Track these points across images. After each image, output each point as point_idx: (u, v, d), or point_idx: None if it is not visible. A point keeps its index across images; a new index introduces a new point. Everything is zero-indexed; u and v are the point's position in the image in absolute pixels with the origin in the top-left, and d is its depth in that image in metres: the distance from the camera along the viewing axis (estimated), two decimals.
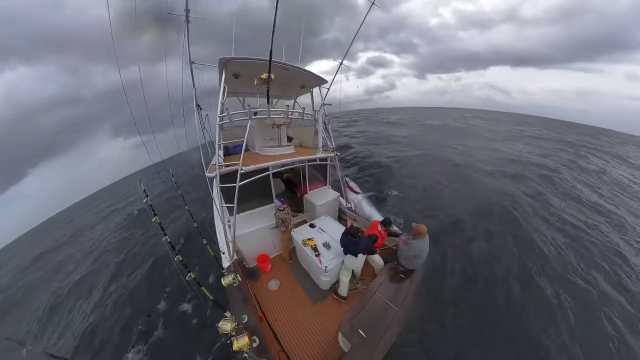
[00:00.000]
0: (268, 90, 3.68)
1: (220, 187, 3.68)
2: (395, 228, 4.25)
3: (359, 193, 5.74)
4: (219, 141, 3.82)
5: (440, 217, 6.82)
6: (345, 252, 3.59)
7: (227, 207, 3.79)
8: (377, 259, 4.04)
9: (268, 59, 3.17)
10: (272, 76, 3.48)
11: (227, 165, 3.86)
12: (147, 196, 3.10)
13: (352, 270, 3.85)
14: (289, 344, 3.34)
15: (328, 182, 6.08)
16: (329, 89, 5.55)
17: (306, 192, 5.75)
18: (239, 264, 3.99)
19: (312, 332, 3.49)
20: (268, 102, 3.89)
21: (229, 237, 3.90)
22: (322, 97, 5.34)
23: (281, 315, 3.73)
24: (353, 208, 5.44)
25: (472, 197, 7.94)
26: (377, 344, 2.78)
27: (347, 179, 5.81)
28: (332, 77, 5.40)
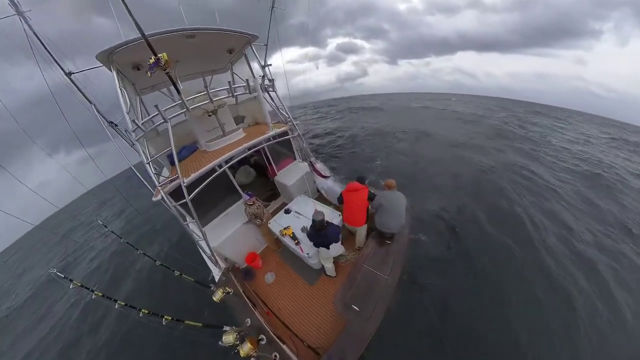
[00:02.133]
0: (171, 77, 2.93)
1: (176, 206, 3.35)
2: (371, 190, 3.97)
3: (328, 177, 5.03)
4: (148, 158, 3.29)
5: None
6: (317, 246, 3.42)
7: (194, 223, 3.55)
8: (362, 233, 3.93)
9: (165, 31, 2.39)
10: (165, 56, 2.70)
11: (170, 181, 3.42)
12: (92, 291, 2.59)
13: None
14: (298, 328, 3.48)
15: (297, 155, 5.66)
16: (266, 45, 4.58)
17: (276, 174, 5.43)
18: (231, 270, 3.96)
19: (316, 311, 3.63)
20: (178, 92, 3.16)
21: (208, 252, 3.75)
22: (258, 59, 4.45)
23: (285, 303, 3.84)
24: (325, 195, 5.07)
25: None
26: (370, 315, 2.86)
27: (313, 159, 5.05)
28: (268, 24, 4.35)
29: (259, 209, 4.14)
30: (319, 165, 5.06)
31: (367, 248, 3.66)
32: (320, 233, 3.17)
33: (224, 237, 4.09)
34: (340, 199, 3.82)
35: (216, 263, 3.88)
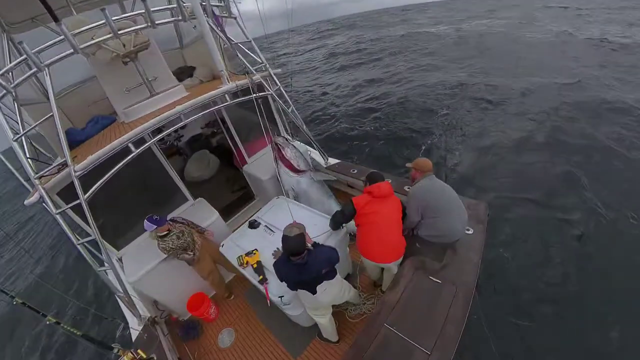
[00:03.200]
0: None
1: (62, 212, 3.28)
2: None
3: (303, 172, 4.80)
4: (21, 129, 3.25)
5: None
6: (292, 288, 3.14)
7: (96, 242, 3.46)
8: (392, 271, 3.67)
9: None
10: None
11: (58, 169, 3.40)
12: None
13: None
14: None
15: (281, 128, 5.57)
16: None
17: (245, 161, 5.42)
18: (161, 322, 3.96)
19: None
20: (55, 19, 3.04)
21: (118, 289, 3.69)
22: None
23: None
24: (293, 198, 4.91)
25: None
26: None
27: (282, 139, 4.85)
28: None
29: (181, 240, 3.88)
30: (290, 150, 4.78)
31: (395, 290, 3.32)
32: (294, 263, 2.83)
33: (147, 267, 4.00)
34: (349, 212, 3.50)
35: (134, 309, 3.82)
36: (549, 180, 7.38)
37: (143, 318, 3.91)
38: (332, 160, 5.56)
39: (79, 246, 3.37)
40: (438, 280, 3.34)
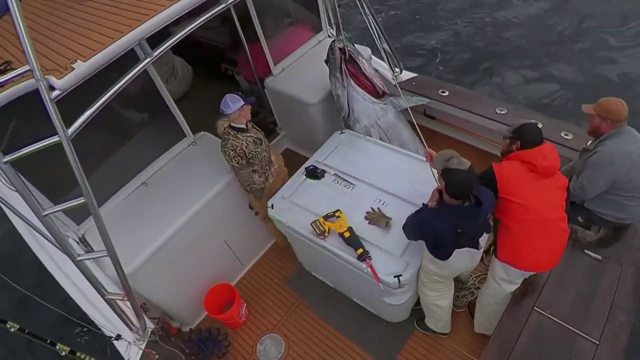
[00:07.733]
0: None
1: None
2: None
3: (384, 95, 4.49)
4: None
5: None
6: (451, 246, 2.90)
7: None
8: None
9: None
10: None
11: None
12: None
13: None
14: None
15: (324, 22, 5.33)
16: None
17: (270, 70, 5.13)
18: (158, 337, 3.63)
19: None
20: None
21: (106, 290, 3.13)
22: None
23: None
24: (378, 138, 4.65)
25: None
26: None
27: (344, 44, 4.30)
28: None
29: (261, 147, 3.75)
30: (367, 64, 4.37)
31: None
32: (466, 207, 2.71)
33: (149, 248, 3.65)
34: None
35: (140, 317, 3.41)
36: None
37: (142, 331, 3.49)
38: (407, 74, 5.13)
39: (42, 221, 2.56)
40: (597, 256, 3.35)
